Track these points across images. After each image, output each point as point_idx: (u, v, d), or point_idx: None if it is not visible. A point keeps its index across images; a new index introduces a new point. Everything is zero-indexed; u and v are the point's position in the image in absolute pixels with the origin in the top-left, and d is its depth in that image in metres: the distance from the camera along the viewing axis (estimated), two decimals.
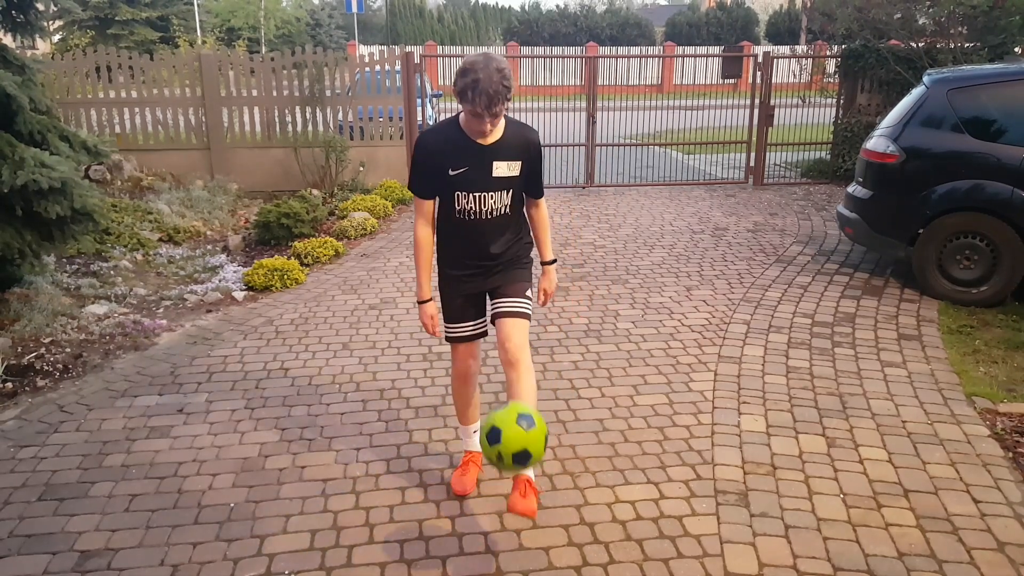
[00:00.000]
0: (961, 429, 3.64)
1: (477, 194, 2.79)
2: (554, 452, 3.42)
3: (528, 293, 2.97)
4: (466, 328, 3.02)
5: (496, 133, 2.77)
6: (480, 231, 2.86)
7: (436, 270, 3.01)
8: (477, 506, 3.03)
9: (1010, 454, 3.42)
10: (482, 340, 3.09)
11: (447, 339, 3.07)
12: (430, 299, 3.00)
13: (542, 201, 3.04)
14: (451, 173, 2.76)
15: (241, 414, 3.80)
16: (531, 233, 3.08)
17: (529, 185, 2.92)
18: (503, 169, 2.79)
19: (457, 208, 2.82)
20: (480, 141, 2.75)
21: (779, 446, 3.48)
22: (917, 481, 3.21)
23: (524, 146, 2.83)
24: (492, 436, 2.46)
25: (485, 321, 3.06)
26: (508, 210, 2.88)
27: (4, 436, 3.58)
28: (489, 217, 2.84)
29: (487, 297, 3.03)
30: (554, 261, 3.13)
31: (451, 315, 3.02)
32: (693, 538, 2.83)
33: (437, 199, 2.89)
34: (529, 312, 2.95)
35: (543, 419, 2.53)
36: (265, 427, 3.67)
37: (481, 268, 2.94)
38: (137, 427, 3.67)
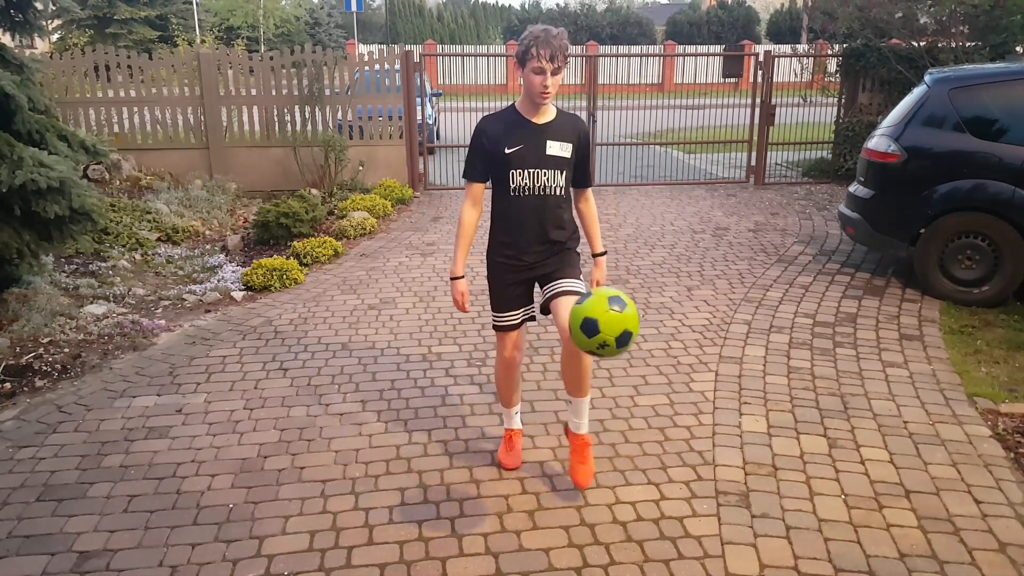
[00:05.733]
0: (963, 429, 3.63)
1: (531, 170, 2.92)
2: (554, 452, 3.41)
3: (580, 277, 3.07)
4: (516, 316, 3.11)
5: (549, 114, 2.94)
6: (535, 208, 2.96)
7: (486, 258, 3.09)
8: (477, 507, 3.02)
9: (1011, 454, 3.41)
10: (523, 330, 3.17)
11: (496, 327, 3.14)
12: (463, 276, 3.06)
13: (590, 193, 3.19)
14: (507, 151, 2.90)
15: (240, 414, 3.79)
16: (578, 228, 3.17)
17: (579, 171, 3.05)
18: (556, 148, 2.94)
19: (512, 186, 2.94)
20: (535, 120, 2.92)
21: (780, 447, 3.47)
22: (918, 482, 3.20)
23: (575, 131, 3.00)
24: (588, 328, 2.45)
25: (533, 307, 3.16)
26: (562, 191, 3.00)
27: (2, 436, 3.56)
28: (543, 194, 2.95)
29: (535, 285, 3.11)
30: (604, 253, 3.25)
31: (501, 304, 3.09)
32: (694, 539, 2.82)
33: (489, 183, 3.00)
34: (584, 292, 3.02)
35: (629, 296, 2.56)
36: (264, 427, 3.66)
37: (535, 252, 3.01)
38: (136, 427, 3.66)
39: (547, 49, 2.75)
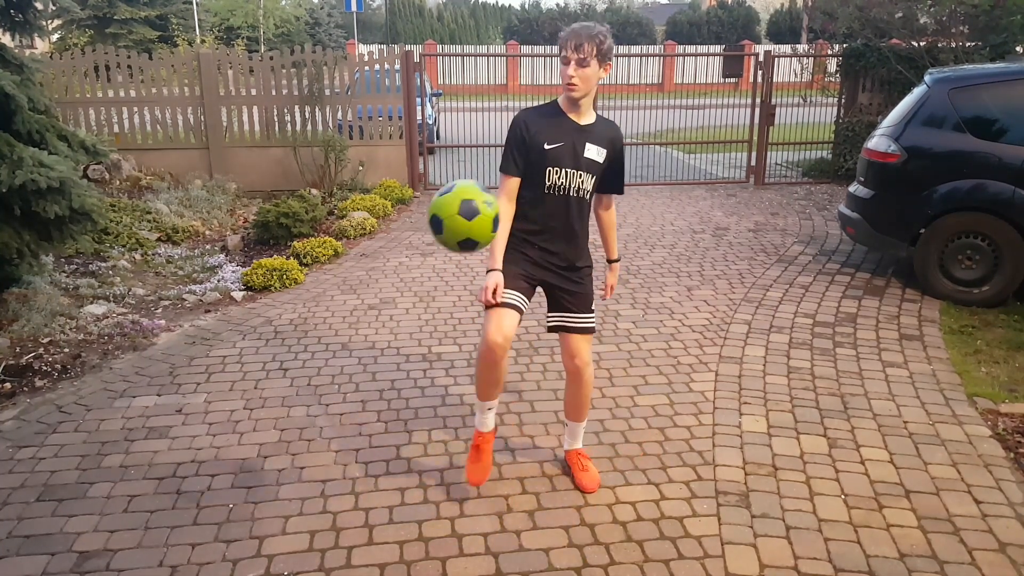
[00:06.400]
0: (963, 429, 3.63)
1: (568, 170, 2.88)
2: (554, 453, 3.41)
3: (593, 306, 3.06)
4: (512, 295, 2.90)
5: (590, 116, 2.92)
6: (566, 207, 2.93)
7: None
8: (477, 507, 3.02)
9: (1011, 454, 3.41)
10: (518, 319, 2.96)
11: (487, 304, 2.96)
12: (499, 269, 2.88)
13: (613, 201, 3.18)
14: (547, 147, 2.85)
15: (240, 415, 3.79)
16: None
17: (610, 178, 3.03)
18: (593, 152, 2.91)
19: (547, 183, 2.88)
20: (575, 119, 2.88)
21: (780, 447, 3.47)
22: (918, 482, 3.20)
23: (611, 138, 2.96)
24: (434, 225, 2.52)
25: (527, 301, 2.98)
26: (588, 196, 2.98)
27: (2, 436, 3.56)
28: (577, 195, 2.93)
29: (546, 292, 3.06)
30: (618, 259, 3.29)
31: (504, 274, 2.91)
32: (694, 539, 2.82)
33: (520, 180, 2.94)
34: (595, 326, 3.10)
35: (490, 204, 2.53)
36: (264, 428, 3.66)
37: (558, 248, 2.95)
38: (136, 427, 3.66)
39: (573, 39, 2.75)
